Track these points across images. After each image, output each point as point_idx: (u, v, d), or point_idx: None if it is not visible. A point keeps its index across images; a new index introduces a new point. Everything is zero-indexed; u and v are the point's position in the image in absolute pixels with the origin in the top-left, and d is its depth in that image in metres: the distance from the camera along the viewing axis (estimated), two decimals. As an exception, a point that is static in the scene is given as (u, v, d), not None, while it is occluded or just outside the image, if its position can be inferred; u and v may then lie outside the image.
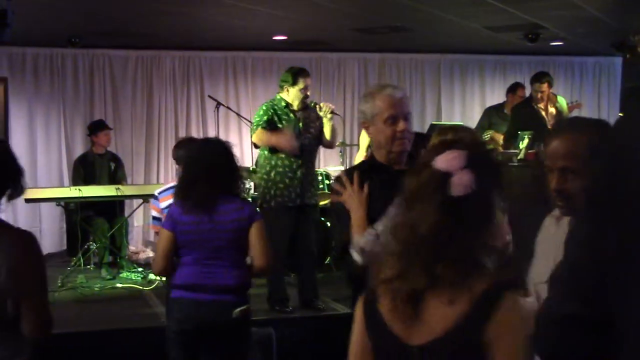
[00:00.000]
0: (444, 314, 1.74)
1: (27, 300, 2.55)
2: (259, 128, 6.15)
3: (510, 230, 2.85)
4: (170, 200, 4.31)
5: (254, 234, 3.89)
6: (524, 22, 8.09)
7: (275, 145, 6.14)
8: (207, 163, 3.86)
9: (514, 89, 9.17)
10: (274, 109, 6.23)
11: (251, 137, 6.36)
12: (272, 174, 6.18)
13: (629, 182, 1.22)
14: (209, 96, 9.02)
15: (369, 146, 7.10)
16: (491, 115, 9.21)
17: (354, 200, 2.98)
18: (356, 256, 2.87)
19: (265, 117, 6.18)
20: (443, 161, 1.78)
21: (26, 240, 2.54)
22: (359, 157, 7.28)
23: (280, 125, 6.18)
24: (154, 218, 4.74)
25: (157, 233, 4.54)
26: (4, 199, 2.62)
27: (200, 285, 3.80)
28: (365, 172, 3.10)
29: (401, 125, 3.07)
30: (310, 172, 6.34)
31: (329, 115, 6.24)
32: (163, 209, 4.53)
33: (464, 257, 1.75)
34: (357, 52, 10.41)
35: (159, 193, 4.78)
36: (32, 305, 2.56)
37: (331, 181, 8.34)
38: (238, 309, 3.83)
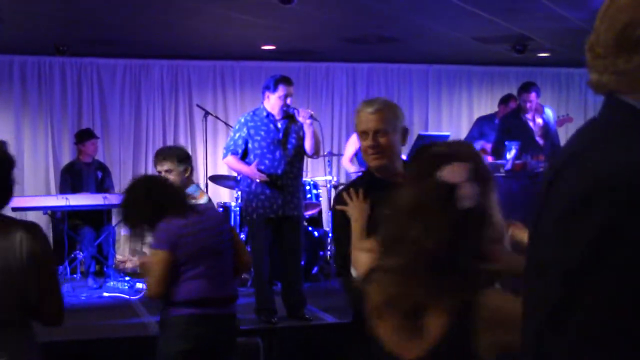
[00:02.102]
0: (441, 323, 1.77)
1: (49, 288, 2.71)
2: (229, 154, 6.23)
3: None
4: None
5: (239, 241, 3.99)
6: (511, 33, 8.14)
7: (243, 173, 6.26)
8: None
9: (506, 100, 9.21)
10: (253, 121, 6.21)
11: (223, 157, 6.41)
12: (253, 185, 6.17)
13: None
14: (197, 105, 9.02)
15: (355, 154, 7.15)
16: (482, 125, 9.24)
17: (355, 211, 3.04)
18: (354, 273, 2.86)
19: (239, 140, 6.21)
20: (449, 173, 1.76)
21: (39, 230, 2.71)
22: (345, 161, 7.31)
23: (257, 138, 6.18)
24: None
25: None
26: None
27: (211, 299, 3.77)
28: (367, 185, 3.15)
29: (368, 141, 3.16)
30: (292, 183, 6.25)
31: (307, 121, 6.17)
32: None
33: (466, 267, 1.75)
34: (346, 62, 10.43)
35: None
36: (53, 292, 2.74)
37: (319, 190, 8.35)
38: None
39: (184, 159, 4.79)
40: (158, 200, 3.72)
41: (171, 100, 9.97)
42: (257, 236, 6.24)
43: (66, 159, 9.23)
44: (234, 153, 6.21)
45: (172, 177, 4.61)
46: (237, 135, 6.24)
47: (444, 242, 1.73)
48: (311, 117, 6.17)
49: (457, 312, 1.74)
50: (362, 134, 3.18)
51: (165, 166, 4.68)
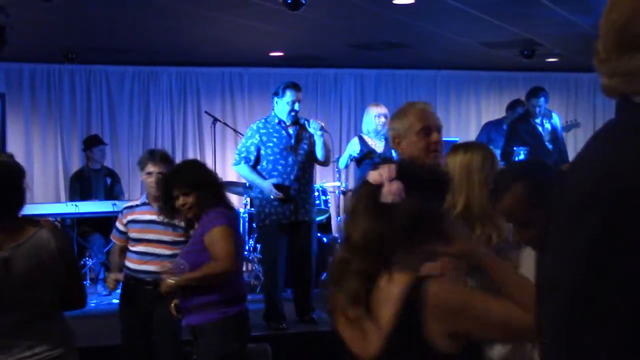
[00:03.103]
0: (391, 313, 1.87)
1: (75, 276, 3.04)
2: (242, 162, 6.25)
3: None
4: (135, 217, 4.58)
5: None
6: (519, 38, 8.13)
7: (257, 185, 6.26)
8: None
9: (514, 105, 9.19)
10: (265, 128, 6.23)
11: (234, 164, 6.42)
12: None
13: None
14: (206, 112, 9.04)
15: (354, 157, 7.15)
16: (490, 130, 9.22)
17: None
18: None
19: (251, 147, 6.23)
20: (375, 175, 1.96)
21: (57, 226, 3.01)
22: (342, 162, 7.33)
23: (270, 144, 6.20)
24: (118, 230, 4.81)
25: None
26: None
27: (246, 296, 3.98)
28: None
29: (434, 136, 3.13)
30: (304, 189, 6.29)
31: (318, 132, 6.23)
32: (126, 223, 4.71)
33: (393, 257, 1.92)
34: (354, 68, 10.45)
35: (126, 208, 4.88)
36: (79, 279, 3.11)
37: (327, 197, 8.33)
38: None
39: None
40: (219, 184, 3.93)
41: (180, 107, 10.01)
42: (269, 242, 6.26)
43: (75, 165, 9.26)
44: (247, 160, 6.23)
45: (152, 179, 4.56)
46: (250, 142, 6.26)
47: (367, 234, 1.91)
48: (322, 128, 6.22)
49: (404, 302, 1.86)
50: (424, 130, 3.12)
51: (160, 169, 4.53)
